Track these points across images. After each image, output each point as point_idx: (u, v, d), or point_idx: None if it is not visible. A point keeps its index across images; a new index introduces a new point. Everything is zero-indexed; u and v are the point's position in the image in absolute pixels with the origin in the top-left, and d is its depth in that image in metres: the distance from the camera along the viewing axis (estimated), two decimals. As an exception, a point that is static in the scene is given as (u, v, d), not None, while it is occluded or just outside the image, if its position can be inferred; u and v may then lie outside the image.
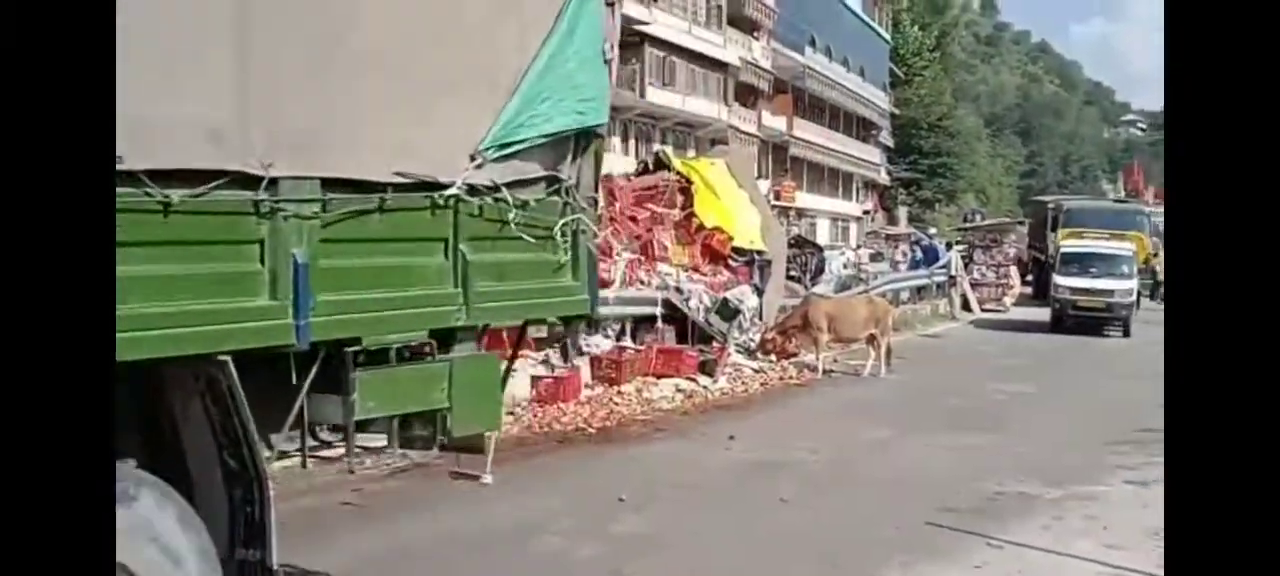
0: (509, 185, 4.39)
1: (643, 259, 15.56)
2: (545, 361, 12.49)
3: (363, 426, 4.22)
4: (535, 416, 10.78)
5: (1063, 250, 23.39)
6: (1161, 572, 5.86)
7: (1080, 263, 22.03)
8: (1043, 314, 22.76)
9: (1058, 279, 22.00)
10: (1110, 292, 21.17)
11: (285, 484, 4.73)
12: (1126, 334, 20.79)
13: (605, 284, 13.98)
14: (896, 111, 65.27)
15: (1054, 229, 29.03)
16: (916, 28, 66.06)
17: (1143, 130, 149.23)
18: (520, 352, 12.47)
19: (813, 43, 53.18)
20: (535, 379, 11.75)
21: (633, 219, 16.60)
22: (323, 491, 6.84)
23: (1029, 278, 31.62)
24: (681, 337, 14.54)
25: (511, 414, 10.84)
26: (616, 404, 11.65)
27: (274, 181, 3.46)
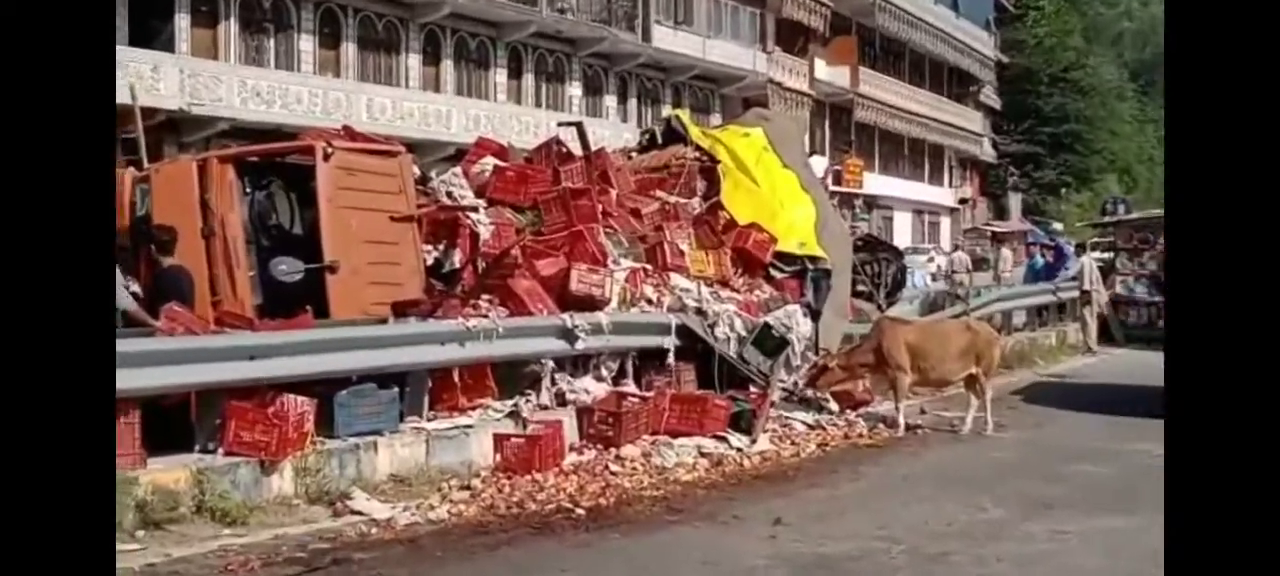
0: None
1: (650, 268, 15.64)
2: (513, 412, 12.51)
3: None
4: (500, 491, 10.78)
5: None
6: None
7: None
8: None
9: None
10: None
11: None
12: None
13: (597, 304, 14.04)
14: (1005, 60, 65.43)
15: None
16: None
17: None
18: (479, 400, 12.65)
19: (886, -34, 53.33)
20: (500, 438, 11.81)
21: (635, 212, 16.61)
22: None
23: None
24: (705, 379, 14.57)
25: (467, 488, 10.86)
26: (614, 474, 11.64)
27: None
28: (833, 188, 39.97)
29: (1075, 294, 25.40)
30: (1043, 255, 31.15)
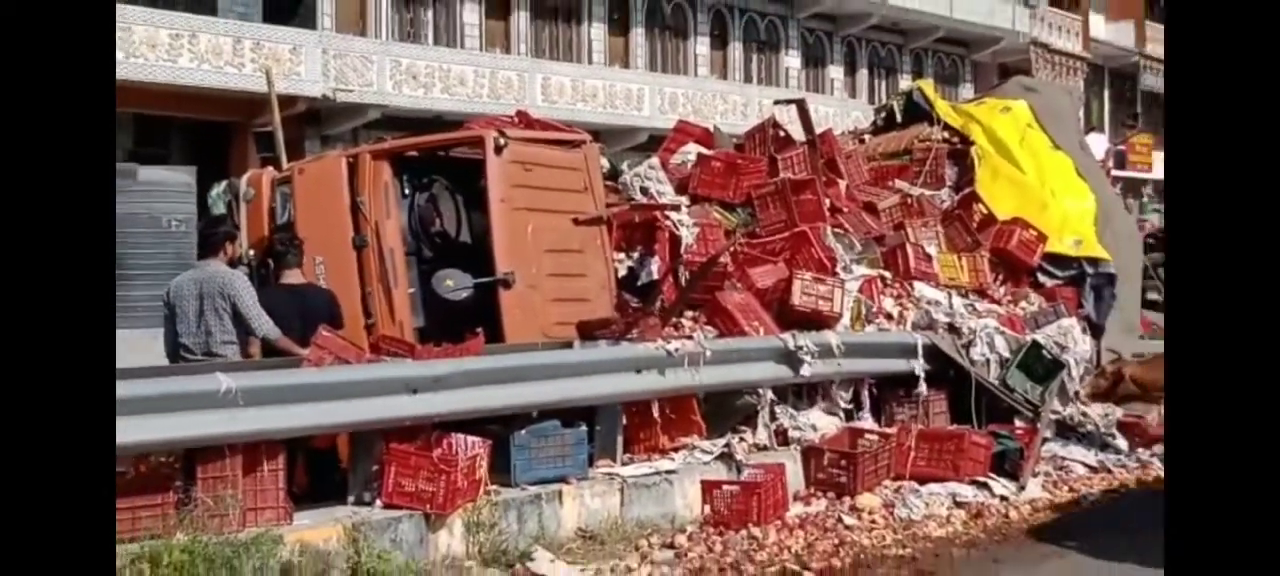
0: None
1: (889, 276, 15.54)
2: (725, 454, 12.51)
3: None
4: (710, 550, 10.78)
5: None
6: None
7: None
8: None
9: None
10: None
11: None
12: None
13: (825, 320, 13.98)
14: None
15: None
16: None
17: None
18: (683, 439, 12.64)
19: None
20: (709, 485, 11.81)
21: (870, 207, 16.55)
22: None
23: None
24: (960, 411, 14.46)
25: (671, 546, 10.88)
26: (849, 528, 11.56)
27: None
28: (1115, 172, 39.16)
29: None
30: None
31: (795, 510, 11.92)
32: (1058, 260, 17.54)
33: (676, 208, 15.17)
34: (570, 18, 35.52)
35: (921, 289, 15.50)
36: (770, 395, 13.41)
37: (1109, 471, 14.01)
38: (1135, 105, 51.83)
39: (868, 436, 13.30)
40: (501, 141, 12.98)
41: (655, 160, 16.80)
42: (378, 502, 10.10)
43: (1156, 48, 51.43)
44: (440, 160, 14.12)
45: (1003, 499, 12.74)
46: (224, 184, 14.45)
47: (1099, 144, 40.84)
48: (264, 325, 10.90)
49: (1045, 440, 14.19)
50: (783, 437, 13.19)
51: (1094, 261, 17.69)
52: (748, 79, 39.33)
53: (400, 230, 13.05)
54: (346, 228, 12.67)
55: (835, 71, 42.10)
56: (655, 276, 14.40)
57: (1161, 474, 13.95)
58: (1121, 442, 14.93)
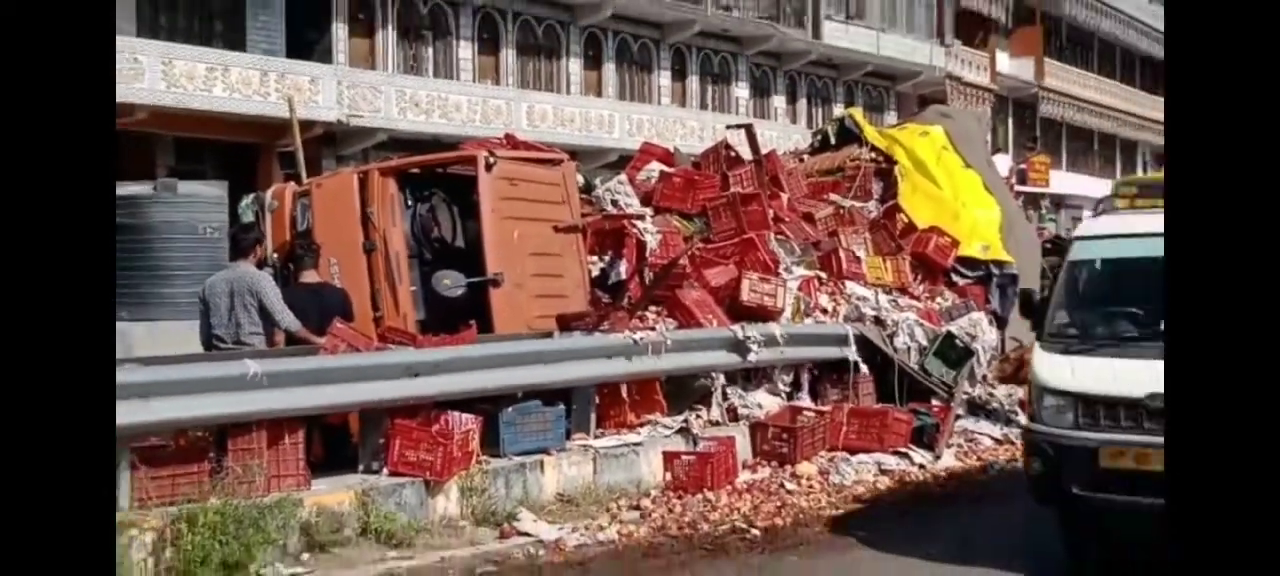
0: None
1: (824, 276, 15.51)
2: (683, 429, 12.50)
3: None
4: (671, 511, 10.80)
5: None
6: None
7: None
8: None
9: None
10: None
11: None
12: None
13: (770, 314, 13.96)
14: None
15: None
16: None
17: None
18: (648, 416, 12.62)
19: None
20: (670, 455, 11.82)
21: (808, 217, 16.52)
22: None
23: None
24: (884, 392, 14.47)
25: (637, 508, 10.87)
26: (790, 492, 11.56)
27: None
28: (1017, 187, 39.23)
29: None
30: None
31: (743, 477, 11.94)
32: (968, 262, 17.53)
33: (642, 217, 15.16)
34: (551, 54, 35.56)
35: (852, 287, 15.47)
36: (722, 378, 13.39)
37: (1012, 443, 13.99)
38: (1035, 130, 51.92)
39: (806, 413, 13.31)
40: (491, 160, 13.00)
41: (624, 176, 16.80)
42: (384, 471, 10.11)
43: (1052, 80, 51.64)
44: (438, 176, 14.08)
45: (921, 466, 12.77)
46: (252, 196, 14.36)
47: (1003, 163, 40.94)
48: (286, 318, 10.85)
49: (958, 416, 14.21)
50: (733, 414, 13.17)
51: (1000, 264, 17.71)
52: (703, 107, 39.31)
53: (404, 237, 13.00)
54: (357, 234, 12.63)
55: (778, 101, 42.10)
56: (623, 276, 14.36)
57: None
58: (1023, 418, 14.92)
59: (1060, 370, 9.00)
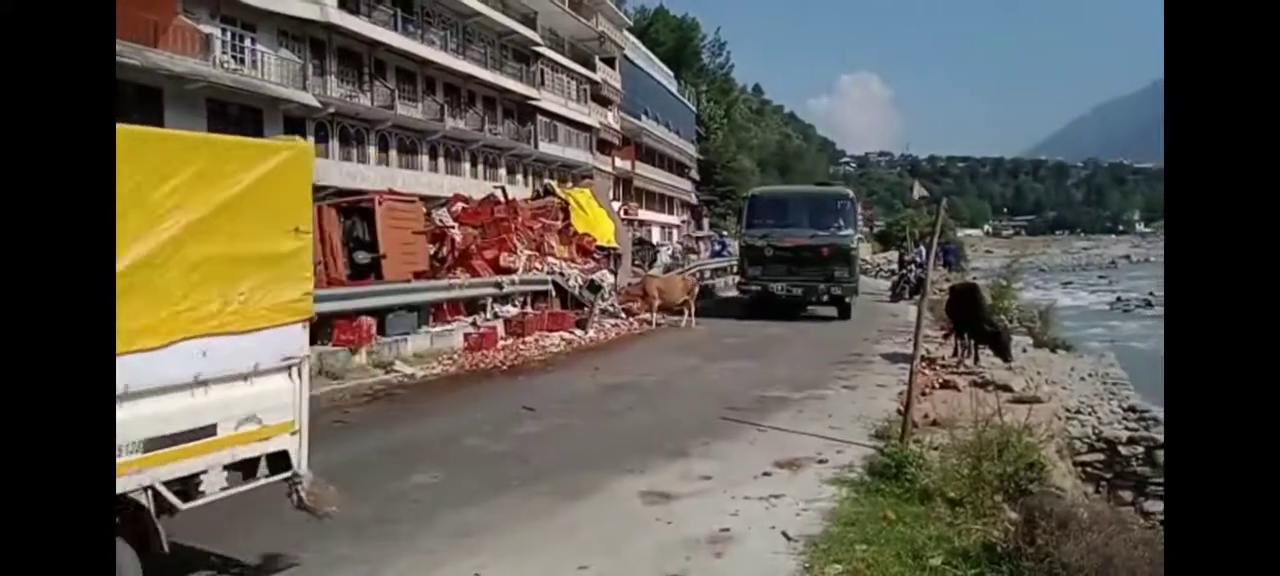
0: None
1: (537, 254, 15.44)
2: (474, 322, 12.31)
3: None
4: (466, 359, 10.62)
5: None
6: (864, 440, 6.13)
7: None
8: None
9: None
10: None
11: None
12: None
13: (511, 271, 13.84)
14: (701, 157, 66.45)
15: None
16: (711, 102, 67.69)
17: (851, 167, 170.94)
18: (456, 317, 12.27)
19: (646, 112, 53.78)
20: (467, 335, 11.60)
21: (530, 227, 16.45)
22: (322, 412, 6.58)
23: None
24: (564, 305, 14.50)
25: (452, 359, 10.66)
26: (521, 350, 11.54)
27: None
28: (623, 216, 39.96)
29: (730, 261, 25.10)
30: (718, 245, 32.19)
31: (501, 344, 11.81)
32: (602, 249, 17.83)
33: (453, 227, 14.81)
34: (413, 151, 33.87)
35: (551, 260, 15.48)
36: (491, 300, 13.20)
37: (619, 327, 14.30)
38: (631, 192, 52.51)
39: (529, 315, 13.24)
40: (381, 200, 12.57)
41: (444, 209, 16.31)
42: (330, 343, 9.60)
43: (640, 170, 52.40)
44: (357, 207, 13.38)
45: (579, 337, 12.86)
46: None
47: (617, 206, 41.57)
48: None
49: (596, 316, 14.26)
50: (495, 316, 13.04)
51: (614, 249, 18.12)
52: (483, 178, 38.14)
53: (340, 235, 12.36)
54: (319, 233, 11.93)
55: (519, 177, 41.39)
56: (444, 254, 14.05)
57: (637, 326, 14.33)
58: (625, 316, 15.26)
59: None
